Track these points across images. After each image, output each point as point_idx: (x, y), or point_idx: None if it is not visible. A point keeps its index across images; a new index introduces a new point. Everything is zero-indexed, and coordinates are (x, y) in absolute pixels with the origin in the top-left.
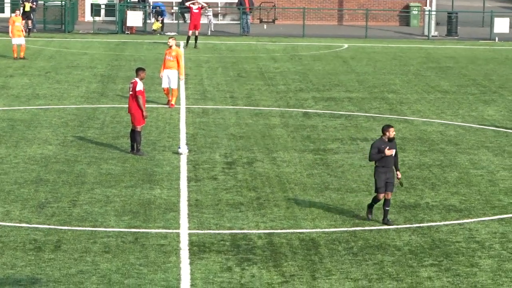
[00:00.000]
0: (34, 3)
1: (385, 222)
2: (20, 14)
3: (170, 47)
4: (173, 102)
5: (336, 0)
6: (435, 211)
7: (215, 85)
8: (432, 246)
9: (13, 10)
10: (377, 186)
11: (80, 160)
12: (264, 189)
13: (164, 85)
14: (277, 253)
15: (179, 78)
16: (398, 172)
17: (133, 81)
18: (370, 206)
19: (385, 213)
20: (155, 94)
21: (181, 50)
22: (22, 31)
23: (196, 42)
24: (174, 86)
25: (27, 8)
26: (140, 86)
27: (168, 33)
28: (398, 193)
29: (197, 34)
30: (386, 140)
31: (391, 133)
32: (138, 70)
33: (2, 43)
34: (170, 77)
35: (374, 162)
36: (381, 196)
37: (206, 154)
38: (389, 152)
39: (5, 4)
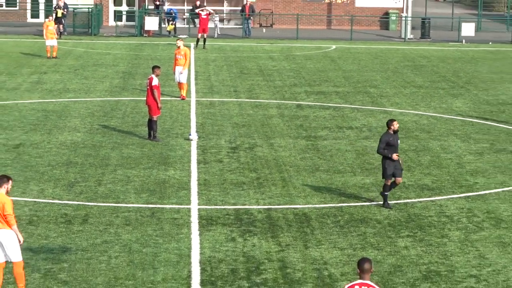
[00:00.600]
0: (65, 10)
1: (386, 205)
2: (53, 19)
3: (179, 47)
4: (184, 95)
5: (325, 8)
6: (411, 189)
7: (221, 81)
8: (408, 220)
9: (46, 16)
10: (387, 173)
11: (104, 146)
12: (263, 170)
13: (176, 79)
14: (274, 225)
15: (186, 72)
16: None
17: (149, 77)
18: (384, 195)
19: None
20: (169, 88)
21: (191, 50)
22: (55, 34)
23: (204, 43)
24: (183, 80)
25: (59, 14)
26: (155, 82)
27: (180, 36)
28: (379, 175)
29: (205, 36)
30: (392, 132)
31: (395, 126)
32: (154, 67)
33: (38, 45)
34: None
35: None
36: (389, 182)
37: (213, 140)
38: (396, 157)
39: (40, 11)
